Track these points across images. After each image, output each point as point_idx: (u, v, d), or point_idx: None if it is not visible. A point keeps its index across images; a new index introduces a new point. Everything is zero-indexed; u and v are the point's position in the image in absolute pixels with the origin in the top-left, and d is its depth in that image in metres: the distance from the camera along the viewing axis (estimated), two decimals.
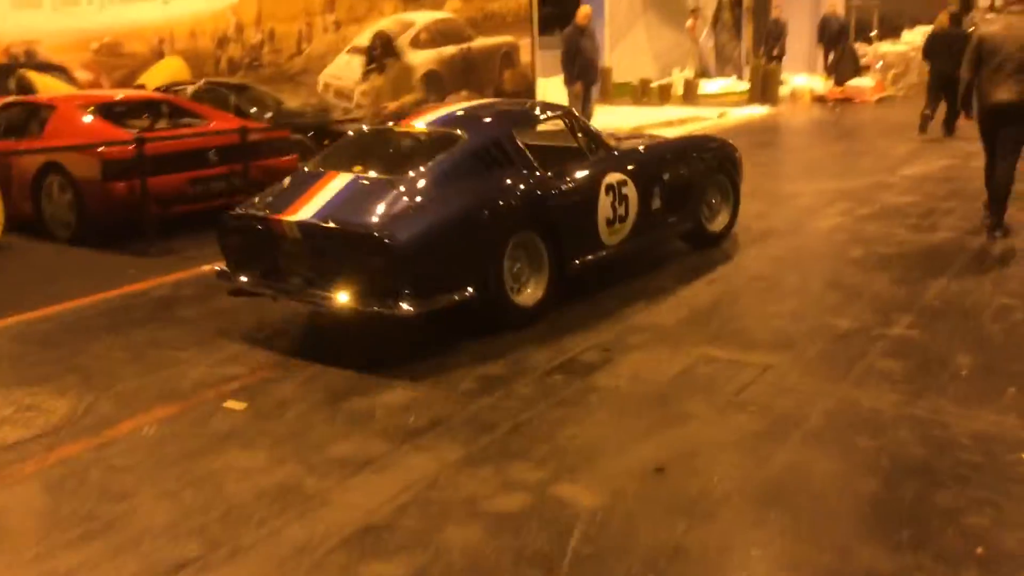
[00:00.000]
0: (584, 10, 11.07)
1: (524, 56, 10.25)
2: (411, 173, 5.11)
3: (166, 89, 10.58)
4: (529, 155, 5.48)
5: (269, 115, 9.92)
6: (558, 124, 5.99)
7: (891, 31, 20.22)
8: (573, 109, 6.28)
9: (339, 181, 5.18)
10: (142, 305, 6.19)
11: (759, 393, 4.36)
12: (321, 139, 9.62)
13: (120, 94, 9.38)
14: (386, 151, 5.65)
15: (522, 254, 5.22)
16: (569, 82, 11.03)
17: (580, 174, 5.67)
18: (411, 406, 4.32)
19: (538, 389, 4.49)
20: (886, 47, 18.51)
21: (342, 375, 4.74)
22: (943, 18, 12.20)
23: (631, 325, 5.39)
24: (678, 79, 17.65)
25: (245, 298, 5.53)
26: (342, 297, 4.77)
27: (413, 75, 6.81)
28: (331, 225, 4.81)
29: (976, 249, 6.66)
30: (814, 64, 18.87)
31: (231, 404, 4.45)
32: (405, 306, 4.65)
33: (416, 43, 11.21)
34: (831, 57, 17.52)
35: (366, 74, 7.61)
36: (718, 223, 6.89)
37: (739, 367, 4.67)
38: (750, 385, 4.45)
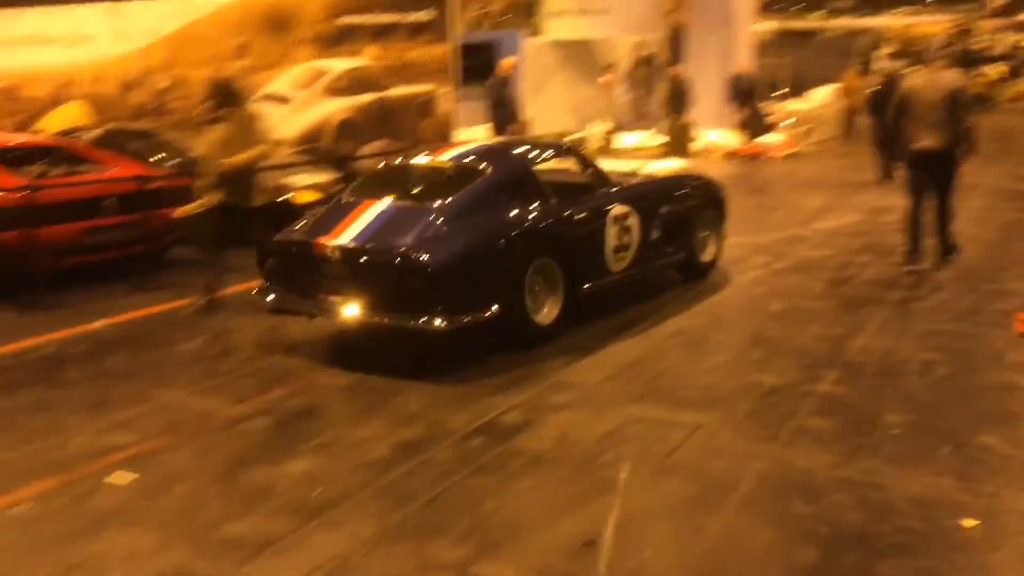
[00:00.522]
0: (508, 61, 11.00)
1: (444, 105, 10.07)
2: (442, 202, 5.61)
3: (66, 135, 10.15)
4: (545, 188, 6.01)
5: (175, 162, 9.45)
6: (567, 160, 6.63)
7: (800, 89, 20.81)
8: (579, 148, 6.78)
9: (375, 208, 5.69)
10: (25, 365, 5.76)
11: (690, 455, 4.17)
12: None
13: (16, 139, 8.95)
14: (416, 182, 6.16)
15: (539, 278, 5.70)
16: (496, 132, 10.96)
17: (590, 206, 6.21)
18: (318, 477, 4.00)
19: (457, 455, 4.22)
20: (796, 105, 18.92)
21: (242, 442, 4.41)
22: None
23: (554, 383, 5.17)
24: (596, 132, 17.70)
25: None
26: (379, 315, 5.24)
27: (256, 124, 6.53)
28: (371, 248, 5.32)
29: (895, 302, 6.68)
30: (726, 120, 19.04)
31: (116, 477, 4.05)
32: (438, 322, 5.09)
33: (332, 91, 11.01)
34: (743, 114, 17.51)
35: (199, 126, 7.33)
36: (708, 254, 7.46)
37: (668, 427, 4.49)
38: (680, 447, 4.26)
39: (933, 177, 7.51)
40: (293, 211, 8.75)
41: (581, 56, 18.91)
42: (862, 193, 12.08)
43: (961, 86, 7.52)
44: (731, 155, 16.78)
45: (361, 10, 10.59)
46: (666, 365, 5.47)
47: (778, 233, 9.38)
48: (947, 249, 7.78)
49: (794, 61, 22.20)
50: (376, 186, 6.12)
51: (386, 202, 5.78)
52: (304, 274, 5.59)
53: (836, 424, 4.50)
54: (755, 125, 17.21)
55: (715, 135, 17.37)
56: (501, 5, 26.00)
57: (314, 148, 10.97)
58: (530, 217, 5.77)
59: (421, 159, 6.40)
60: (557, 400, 4.90)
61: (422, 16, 10.11)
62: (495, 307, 5.35)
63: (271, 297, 5.75)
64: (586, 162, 6.70)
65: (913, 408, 4.71)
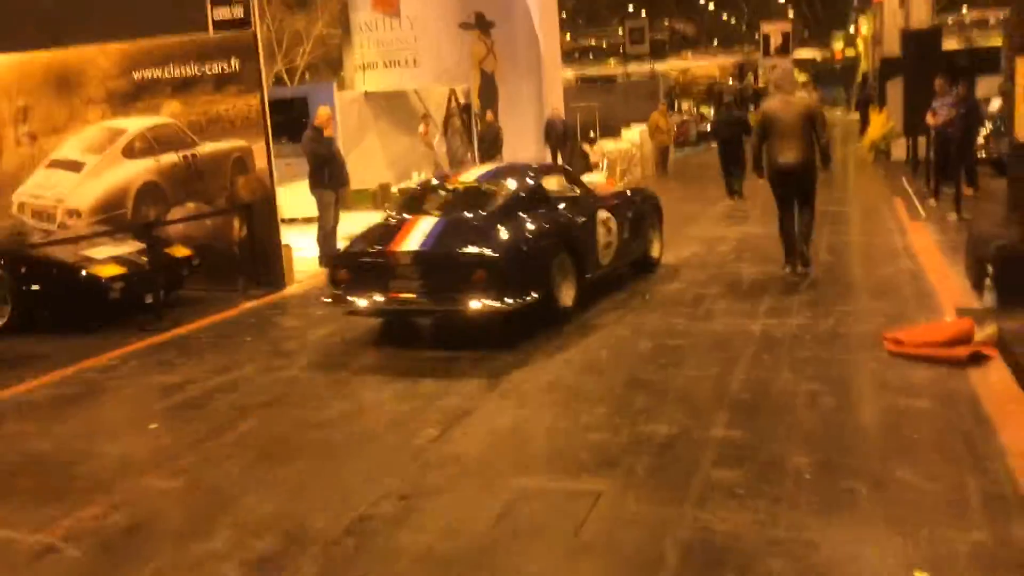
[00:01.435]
0: (323, 112, 10.38)
1: (260, 161, 9.30)
2: (486, 212, 7.09)
3: None
4: (551, 198, 7.60)
5: None
6: (560, 177, 8.30)
7: (611, 131, 21.31)
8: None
9: (426, 221, 7.04)
10: None
11: (600, 529, 3.66)
12: (16, 267, 8.13)
13: None
14: (450, 201, 7.48)
15: (559, 270, 7.09)
16: (317, 187, 10.30)
17: (584, 212, 7.74)
18: None
19: (327, 568, 3.48)
20: (609, 145, 19.27)
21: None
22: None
23: (426, 460, 4.52)
24: (416, 183, 17.35)
25: None
26: (452, 303, 6.53)
27: None
28: (440, 251, 6.69)
29: (758, 334, 6.50)
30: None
31: None
32: (507, 300, 6.46)
33: (129, 152, 10.02)
34: (560, 157, 17.64)
35: None
36: (655, 250, 9.20)
37: (567, 498, 3.95)
38: (587, 520, 3.74)
39: (795, 191, 8.42)
40: (100, 286, 7.79)
41: (395, 107, 18.44)
42: (692, 225, 12.19)
43: (814, 106, 8.57)
44: None
45: (158, 63, 9.70)
46: (548, 423, 4.99)
47: (622, 270, 9.20)
48: (804, 261, 8.53)
49: (601, 105, 22.73)
50: (414, 206, 7.51)
51: (433, 217, 7.13)
52: (375, 278, 6.82)
53: (744, 474, 4.12)
54: (576, 167, 17.44)
55: None
56: (305, 59, 25.42)
57: (114, 217, 9.92)
58: (552, 221, 7.30)
59: (445, 183, 7.85)
60: (434, 480, 4.27)
61: (227, 66, 9.33)
62: (535, 293, 6.71)
63: (342, 302, 6.90)
64: (570, 177, 8.42)
65: (815, 447, 4.41)
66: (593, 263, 7.75)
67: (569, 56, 35.46)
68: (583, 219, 7.67)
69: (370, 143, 18.04)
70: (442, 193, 7.70)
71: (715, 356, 6.04)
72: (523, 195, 7.42)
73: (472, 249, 6.66)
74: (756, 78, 37.00)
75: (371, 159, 17.84)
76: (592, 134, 21.34)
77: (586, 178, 16.55)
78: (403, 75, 17.98)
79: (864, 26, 41.21)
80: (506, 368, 6.03)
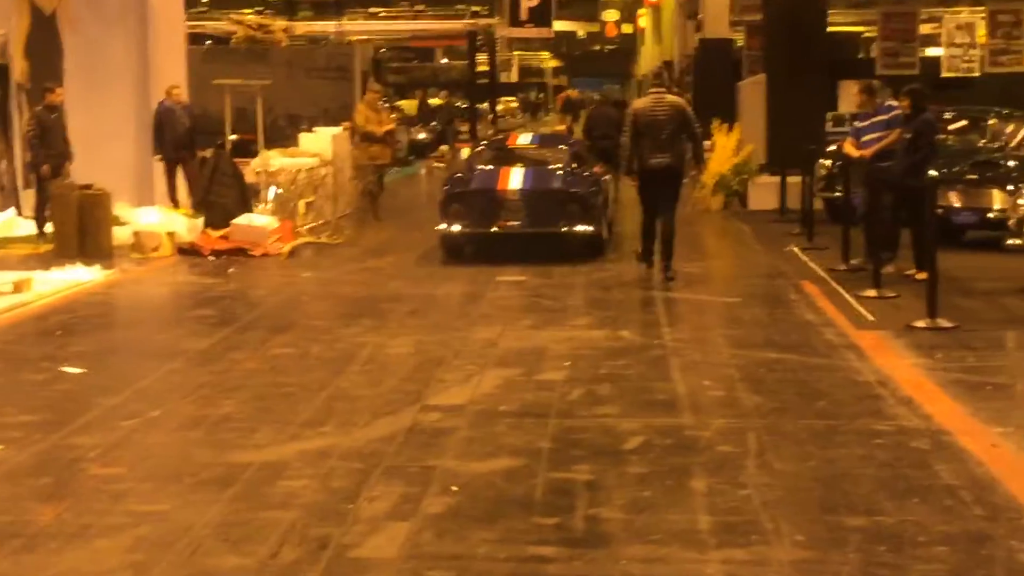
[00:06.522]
0: None
1: None
2: (559, 163, 15.82)
3: None
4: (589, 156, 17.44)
5: None
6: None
7: (279, 134, 21.18)
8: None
9: (516, 170, 15.33)
10: None
11: None
12: None
13: None
14: (523, 156, 16.34)
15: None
16: None
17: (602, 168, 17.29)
18: None
19: None
20: (279, 160, 18.48)
21: None
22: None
23: None
24: None
25: None
26: (552, 227, 14.76)
27: None
28: (542, 188, 15.10)
29: (559, 482, 7.03)
30: (155, 185, 18.90)
31: None
32: (591, 228, 14.73)
33: None
34: (184, 171, 18.46)
35: None
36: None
37: None
38: None
39: (661, 192, 13.17)
40: None
41: None
42: (481, 325, 11.56)
43: (685, 106, 13.56)
44: (190, 251, 16.43)
45: None
46: None
47: (377, 422, 8.64)
48: (669, 276, 12.99)
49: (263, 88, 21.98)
50: (498, 160, 16.00)
51: (519, 167, 15.37)
52: (486, 210, 14.77)
53: None
54: (222, 196, 17.07)
55: (154, 216, 17.28)
56: None
57: None
58: (595, 171, 16.13)
59: (510, 144, 17.38)
60: None
61: None
62: (595, 225, 14.92)
63: (455, 228, 14.77)
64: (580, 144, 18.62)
65: None
66: (609, 211, 16.44)
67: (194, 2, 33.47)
68: (607, 175, 16.71)
69: None
70: (513, 152, 16.45)
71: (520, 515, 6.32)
72: (578, 150, 16.69)
73: (561, 188, 14.83)
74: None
75: None
76: (255, 139, 20.44)
77: (244, 220, 16.93)
78: None
79: None
80: None
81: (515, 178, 14.93)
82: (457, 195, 15.04)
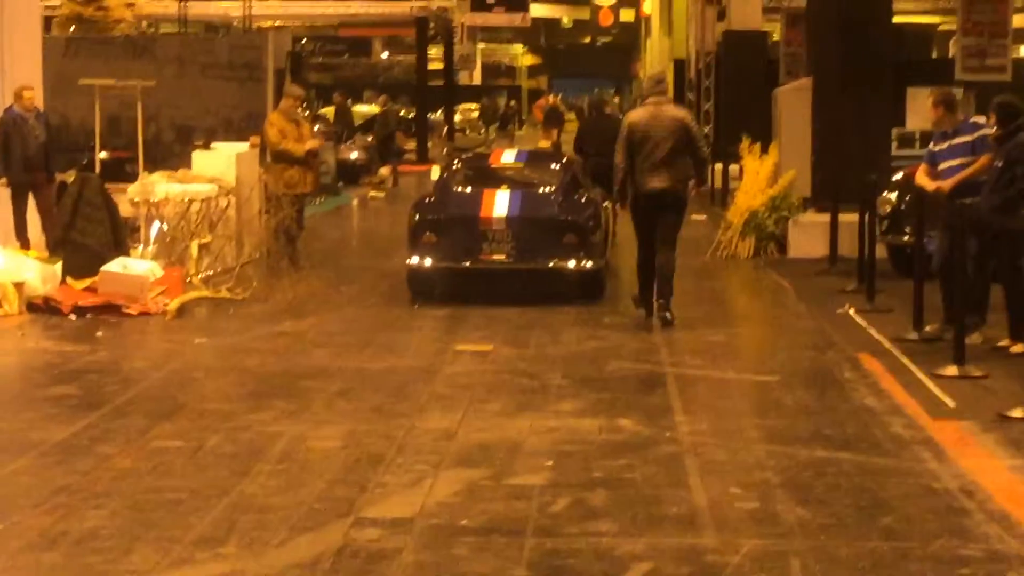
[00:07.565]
0: None
1: None
2: (553, 186, 17.28)
3: None
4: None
5: None
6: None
7: (163, 151, 20.75)
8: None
9: (502, 193, 16.68)
10: None
11: None
12: None
13: None
14: (509, 176, 17.84)
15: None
16: None
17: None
18: None
19: None
20: (165, 187, 18.43)
21: None
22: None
23: None
24: None
25: None
26: (543, 262, 16.22)
27: None
28: (528, 216, 16.34)
29: None
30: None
31: None
32: (590, 264, 16.13)
33: None
34: (37, 199, 18.74)
35: None
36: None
37: None
38: None
39: (665, 222, 14.06)
40: None
41: None
42: (434, 410, 11.64)
43: (689, 119, 14.44)
44: (43, 307, 16.45)
45: None
46: None
47: (296, 541, 8.62)
48: (665, 321, 14.13)
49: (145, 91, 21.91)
50: (479, 181, 17.24)
51: (506, 190, 16.63)
52: (465, 241, 15.94)
53: None
54: (89, 235, 17.04)
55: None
56: None
57: None
58: (592, 194, 17.76)
59: (492, 163, 18.95)
60: None
61: None
62: (595, 260, 16.50)
63: (427, 262, 16.06)
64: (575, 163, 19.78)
65: None
66: (607, 234, 18.07)
67: None
68: (605, 200, 17.61)
69: None
70: (495, 171, 17.54)
71: None
72: (576, 171, 17.76)
73: (556, 215, 15.95)
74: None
75: None
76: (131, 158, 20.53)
77: (115, 266, 17.10)
78: None
79: None
80: None
81: (500, 203, 15.95)
82: (430, 222, 16.03)
